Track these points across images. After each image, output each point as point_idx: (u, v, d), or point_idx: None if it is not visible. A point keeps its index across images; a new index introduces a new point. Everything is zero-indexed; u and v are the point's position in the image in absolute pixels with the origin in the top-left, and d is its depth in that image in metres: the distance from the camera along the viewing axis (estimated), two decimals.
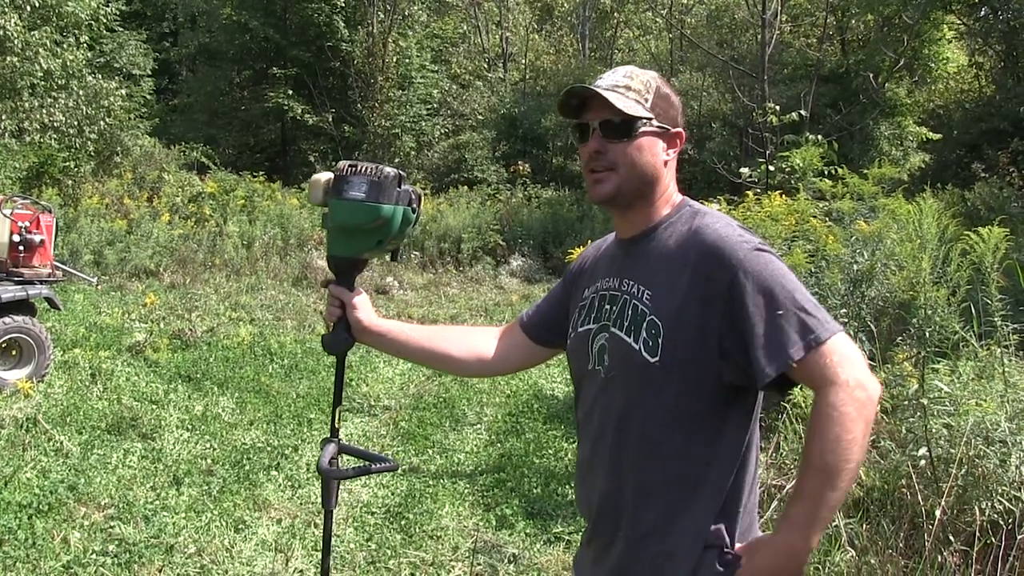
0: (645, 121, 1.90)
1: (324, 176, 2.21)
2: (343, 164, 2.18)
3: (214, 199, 15.20)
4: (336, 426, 2.32)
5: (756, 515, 1.95)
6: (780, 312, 1.74)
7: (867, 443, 1.73)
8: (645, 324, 1.85)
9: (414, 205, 2.20)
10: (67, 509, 4.79)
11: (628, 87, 1.91)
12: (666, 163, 1.96)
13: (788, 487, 4.62)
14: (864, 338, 5.60)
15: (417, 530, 4.94)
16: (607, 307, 1.97)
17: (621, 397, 1.90)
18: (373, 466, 2.29)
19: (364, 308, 2.24)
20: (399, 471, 5.86)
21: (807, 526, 1.71)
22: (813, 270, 5.70)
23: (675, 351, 1.80)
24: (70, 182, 14.35)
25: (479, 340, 2.32)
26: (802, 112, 11.25)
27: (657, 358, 1.81)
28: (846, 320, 5.59)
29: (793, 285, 1.78)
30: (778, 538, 1.76)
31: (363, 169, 2.15)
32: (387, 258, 2.36)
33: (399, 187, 2.15)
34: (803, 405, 4.56)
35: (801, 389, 4.61)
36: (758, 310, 1.74)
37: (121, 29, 21.09)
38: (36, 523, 4.56)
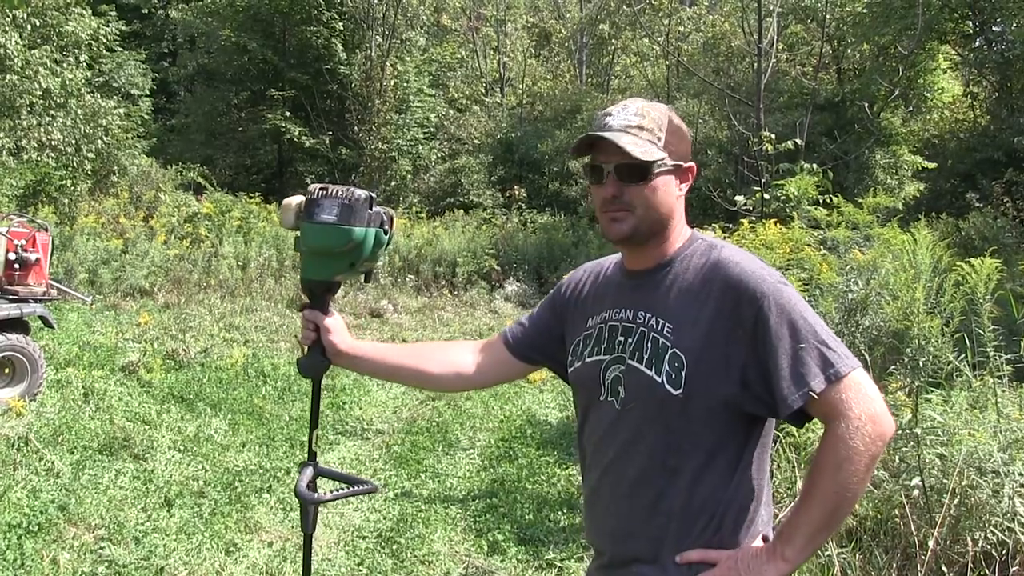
0: (660, 162, 1.91)
1: (296, 200, 2.22)
2: (314, 187, 2.18)
3: (210, 219, 15.20)
4: (313, 449, 2.31)
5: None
6: (802, 345, 1.77)
7: (869, 477, 1.76)
8: (667, 357, 1.85)
9: (386, 227, 2.21)
10: (57, 530, 4.76)
11: (641, 127, 1.91)
12: (679, 198, 1.99)
13: (781, 516, 4.61)
14: None
15: (408, 555, 4.91)
16: (620, 339, 1.96)
17: (640, 428, 1.91)
18: (352, 489, 2.28)
19: (338, 331, 2.26)
20: (392, 496, 5.85)
21: (801, 548, 1.77)
22: (808, 298, 5.71)
23: (698, 383, 1.82)
24: (67, 200, 14.36)
25: (455, 355, 2.33)
26: (797, 140, 11.32)
27: (680, 390, 1.83)
28: None
29: (814, 319, 1.81)
30: (776, 552, 1.79)
31: (334, 192, 2.15)
32: (360, 280, 2.38)
33: (370, 209, 2.17)
34: (796, 434, 4.56)
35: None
36: (782, 342, 1.77)
37: (120, 49, 21.19)
38: (25, 544, 4.53)
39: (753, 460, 1.90)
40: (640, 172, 1.91)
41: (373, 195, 2.20)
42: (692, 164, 2.01)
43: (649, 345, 1.89)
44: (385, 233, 2.21)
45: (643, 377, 1.89)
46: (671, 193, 1.96)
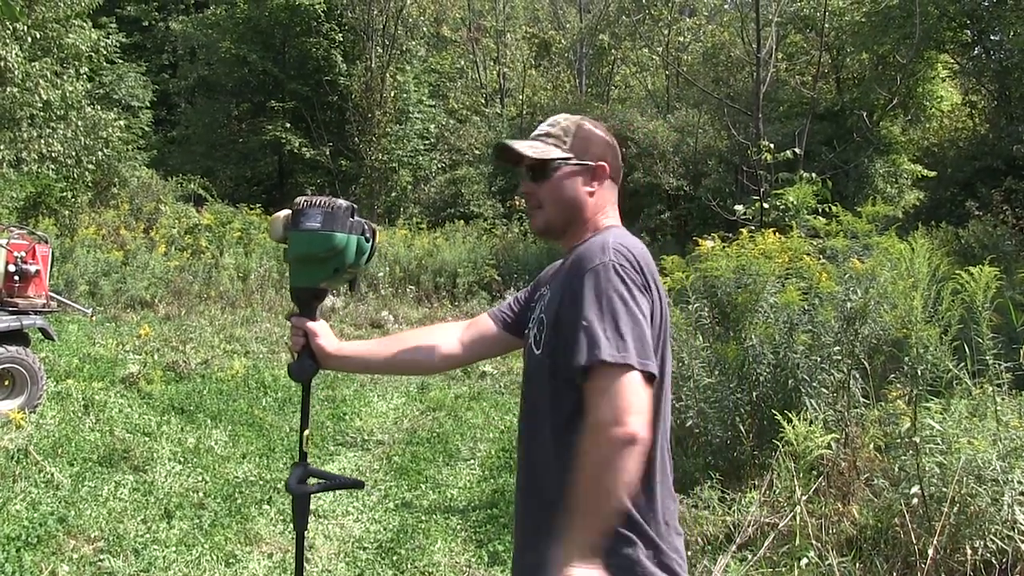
0: (560, 162, 2.13)
1: (283, 213, 2.40)
2: (300, 199, 2.36)
3: (210, 231, 15.23)
4: (304, 450, 2.43)
5: (670, 498, 2.04)
6: (585, 323, 1.86)
7: (611, 481, 1.77)
8: (538, 322, 2.11)
9: (367, 235, 2.37)
10: (56, 542, 4.76)
11: (548, 134, 2.17)
12: (592, 194, 2.17)
13: (782, 524, 4.61)
14: (858, 376, 5.61)
15: (409, 566, 4.91)
16: (537, 309, 2.18)
17: (531, 387, 2.11)
18: (337, 482, 2.51)
19: (325, 335, 2.41)
20: (392, 507, 5.85)
21: (578, 546, 1.77)
22: (807, 307, 5.72)
23: (552, 349, 2.00)
24: (67, 212, 14.37)
25: (439, 337, 2.46)
26: (796, 150, 11.33)
27: (540, 351, 2.06)
28: (839, 357, 5.60)
29: (620, 304, 1.87)
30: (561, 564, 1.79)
31: (317, 202, 2.33)
32: (346, 288, 2.54)
33: (352, 217, 2.34)
34: (795, 443, 4.56)
35: (801, 437, 4.61)
36: (577, 312, 1.89)
37: (121, 61, 21.23)
38: (24, 556, 4.53)
39: None
40: (542, 171, 2.15)
41: (355, 205, 2.37)
42: (602, 163, 2.18)
43: (536, 313, 2.16)
44: (367, 240, 2.38)
45: (529, 340, 2.15)
46: (578, 189, 2.16)
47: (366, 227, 2.38)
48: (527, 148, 2.14)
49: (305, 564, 4.77)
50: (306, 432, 2.45)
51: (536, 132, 2.20)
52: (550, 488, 1.95)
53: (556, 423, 1.97)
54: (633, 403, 1.78)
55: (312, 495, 2.40)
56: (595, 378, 1.82)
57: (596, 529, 1.78)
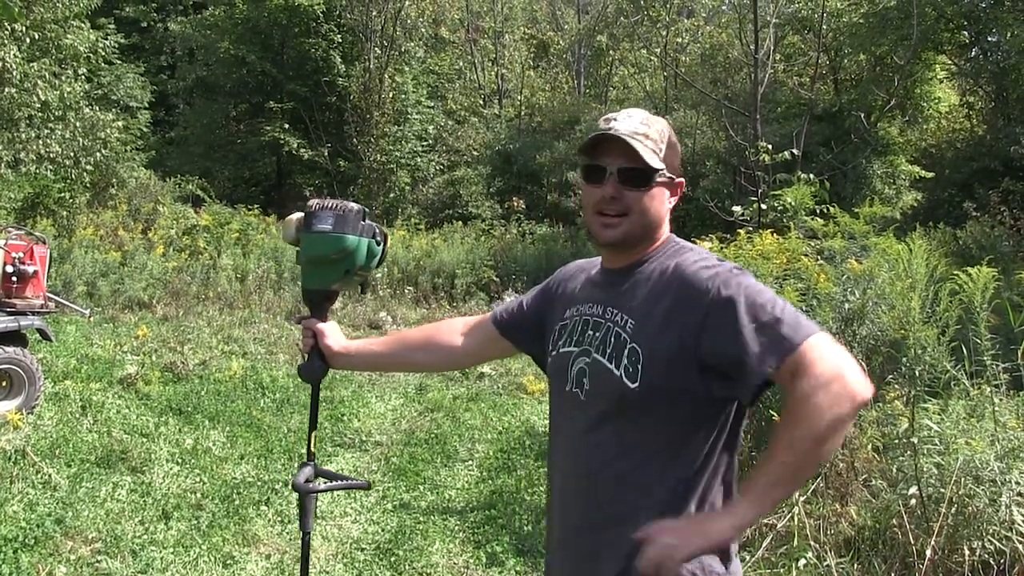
0: (661, 172, 1.97)
1: (296, 215, 2.45)
2: (313, 202, 2.40)
3: (208, 232, 15.21)
4: (311, 450, 2.48)
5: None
6: (754, 325, 1.77)
7: (833, 439, 1.72)
8: (627, 351, 1.90)
9: (378, 238, 2.42)
10: (53, 543, 4.75)
11: (646, 135, 1.96)
12: (668, 211, 2.05)
13: (780, 525, 4.61)
14: None
15: (407, 567, 4.90)
16: (590, 332, 2.02)
17: (601, 420, 1.95)
18: (344, 482, 2.52)
19: (334, 335, 2.46)
20: (390, 508, 5.85)
21: (752, 502, 1.76)
22: (804, 308, 5.71)
23: (655, 375, 1.86)
24: (65, 213, 14.39)
25: (442, 338, 2.45)
26: (795, 151, 11.33)
27: (637, 383, 1.87)
28: None
29: (766, 299, 1.81)
30: (728, 508, 1.89)
31: (329, 205, 2.38)
32: (358, 291, 2.57)
33: (363, 220, 2.38)
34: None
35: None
36: (734, 326, 1.79)
37: (119, 62, 21.27)
38: (21, 557, 4.52)
39: (716, 453, 1.92)
40: (643, 178, 1.96)
41: (366, 209, 2.40)
42: (682, 180, 2.06)
43: (612, 340, 1.95)
44: (377, 244, 2.42)
45: (605, 370, 1.93)
46: (663, 204, 2.02)
47: (377, 231, 2.42)
48: (650, 155, 1.94)
49: None
50: (314, 432, 2.50)
51: (630, 128, 1.96)
52: (652, 508, 1.88)
53: (662, 449, 1.89)
54: (845, 359, 1.73)
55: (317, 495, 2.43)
56: (795, 361, 1.72)
57: (787, 485, 1.78)
